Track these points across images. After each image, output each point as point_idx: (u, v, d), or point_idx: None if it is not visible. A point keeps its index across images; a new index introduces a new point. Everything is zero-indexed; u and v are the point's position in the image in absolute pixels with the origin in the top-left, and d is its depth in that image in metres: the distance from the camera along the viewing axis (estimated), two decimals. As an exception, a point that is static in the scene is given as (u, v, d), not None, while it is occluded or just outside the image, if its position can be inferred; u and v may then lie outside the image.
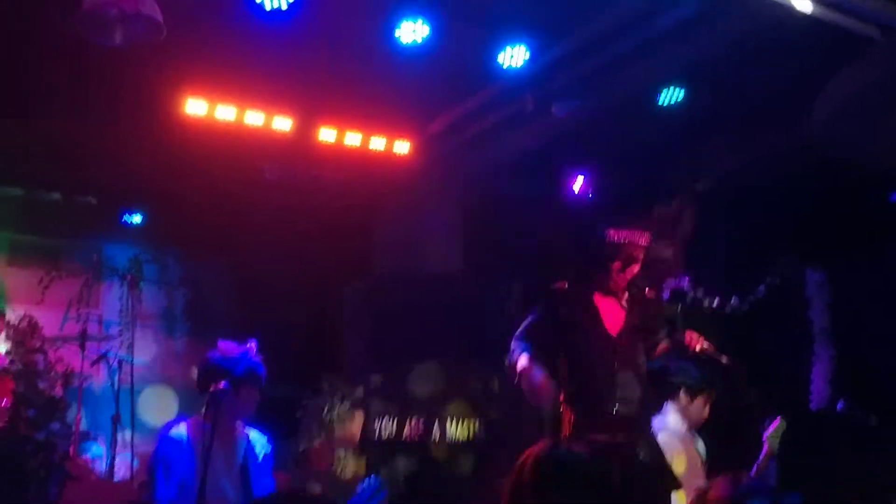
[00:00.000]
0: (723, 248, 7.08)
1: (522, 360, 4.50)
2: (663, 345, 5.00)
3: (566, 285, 4.86)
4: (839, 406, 5.52)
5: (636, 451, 4.35)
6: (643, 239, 4.80)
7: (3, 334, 6.10)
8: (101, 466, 7.75)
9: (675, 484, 4.65)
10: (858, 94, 5.65)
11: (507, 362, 4.70)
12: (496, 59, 5.98)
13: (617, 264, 4.77)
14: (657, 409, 5.17)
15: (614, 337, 4.69)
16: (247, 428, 4.25)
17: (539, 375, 4.43)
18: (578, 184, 7.91)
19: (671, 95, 6.44)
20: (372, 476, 4.57)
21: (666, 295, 5.19)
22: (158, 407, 8.61)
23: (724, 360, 4.89)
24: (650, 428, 4.71)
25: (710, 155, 7.25)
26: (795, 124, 6.19)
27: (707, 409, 5.31)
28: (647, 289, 4.85)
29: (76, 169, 7.93)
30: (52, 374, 5.58)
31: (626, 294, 4.86)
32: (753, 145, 6.90)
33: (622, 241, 4.78)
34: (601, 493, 2.42)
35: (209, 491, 3.80)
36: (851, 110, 5.78)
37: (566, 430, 4.58)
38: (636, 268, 4.79)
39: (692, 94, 6.38)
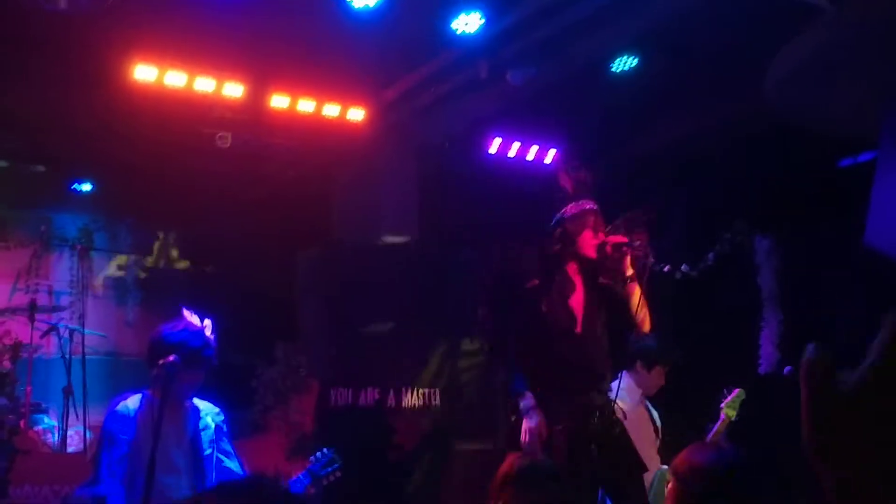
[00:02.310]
0: (675, 214, 7.13)
1: (531, 420, 4.45)
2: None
3: (536, 282, 4.80)
4: (786, 370, 5.62)
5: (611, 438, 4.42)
6: (589, 204, 4.76)
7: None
8: (53, 438, 7.68)
9: (642, 468, 4.70)
10: (810, 60, 5.69)
11: (508, 391, 4.66)
12: (450, 25, 5.92)
13: (571, 236, 4.71)
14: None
15: (578, 330, 4.64)
16: (197, 400, 4.22)
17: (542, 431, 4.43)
18: (532, 152, 7.91)
19: (625, 62, 6.45)
20: (325, 448, 4.60)
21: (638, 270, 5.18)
22: (110, 378, 8.54)
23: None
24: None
25: (664, 122, 7.28)
26: (747, 92, 6.22)
27: (662, 379, 5.39)
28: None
29: (23, 137, 7.76)
30: (0, 347, 5.48)
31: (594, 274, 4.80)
32: (706, 113, 6.94)
33: (570, 213, 4.75)
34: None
35: (160, 462, 3.78)
36: (803, 77, 5.83)
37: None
38: (588, 235, 4.71)
39: (646, 62, 6.38)
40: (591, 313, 4.69)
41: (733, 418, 5.34)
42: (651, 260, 4.87)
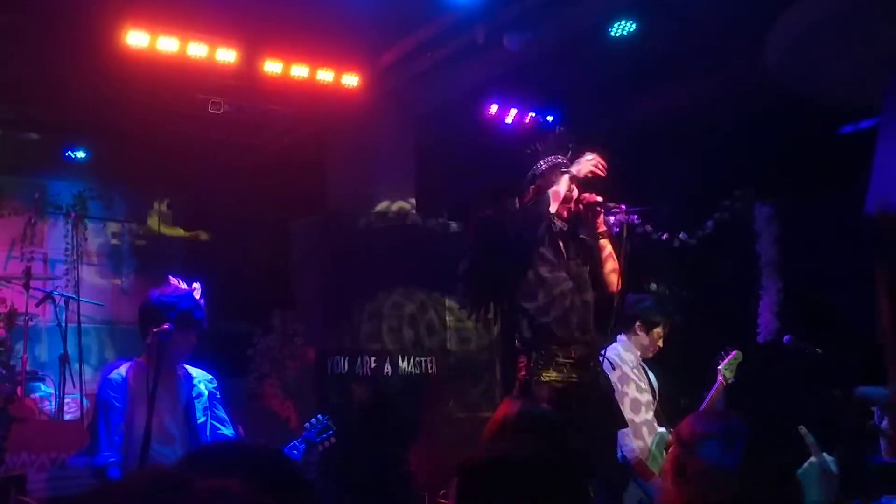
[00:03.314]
0: (675, 182, 7.08)
1: None
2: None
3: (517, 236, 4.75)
4: (785, 339, 5.60)
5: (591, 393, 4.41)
6: (561, 159, 4.73)
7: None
8: (51, 405, 7.69)
9: (622, 423, 4.70)
10: (812, 27, 5.63)
11: None
12: (446, -12, 5.84)
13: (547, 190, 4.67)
14: (610, 339, 5.21)
15: (567, 277, 4.63)
16: (189, 367, 4.20)
17: None
18: (529, 118, 7.85)
19: (624, 27, 6.37)
20: (319, 415, 4.59)
21: (615, 229, 5.17)
22: (106, 346, 8.54)
23: None
24: (601, 362, 4.71)
25: (664, 88, 7.21)
26: (748, 58, 6.16)
27: (661, 341, 5.37)
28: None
29: (16, 103, 7.69)
30: (-6, 317, 5.47)
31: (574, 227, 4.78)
32: (706, 79, 6.87)
33: (545, 167, 4.72)
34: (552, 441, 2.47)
35: (155, 431, 3.77)
36: (804, 44, 5.77)
37: (520, 371, 4.57)
38: (556, 193, 4.67)
39: (645, 27, 6.31)
40: (572, 266, 4.67)
41: (730, 380, 5.34)
42: (639, 222, 4.85)
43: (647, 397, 5.25)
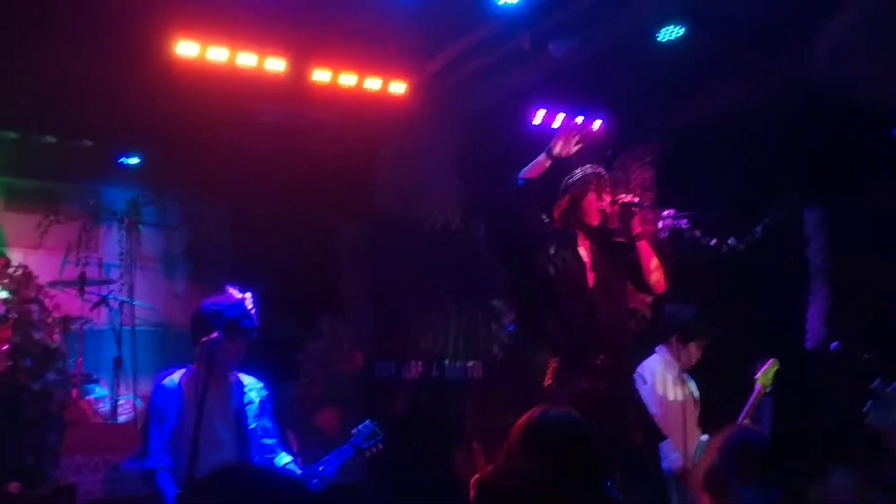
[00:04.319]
0: (722, 187, 7.02)
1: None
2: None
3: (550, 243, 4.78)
4: (832, 346, 5.53)
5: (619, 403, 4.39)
6: (593, 168, 4.76)
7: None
8: (105, 408, 7.86)
9: (658, 436, 4.67)
10: (859, 30, 5.55)
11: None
12: (492, -4, 5.87)
13: (579, 199, 4.70)
14: (648, 352, 5.19)
15: (593, 285, 4.63)
16: (241, 374, 4.27)
17: None
18: (577, 123, 7.82)
19: (671, 32, 6.34)
20: (367, 421, 4.64)
21: (664, 234, 5.16)
22: (160, 349, 8.69)
23: None
24: (634, 376, 4.70)
25: (711, 92, 7.15)
26: (796, 61, 6.09)
27: (699, 354, 5.33)
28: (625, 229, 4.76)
29: (71, 112, 7.87)
30: (50, 321, 5.61)
31: (606, 237, 4.78)
32: (754, 82, 6.80)
33: (573, 179, 4.75)
34: (585, 450, 2.47)
35: (205, 436, 3.85)
36: (852, 46, 5.69)
37: (548, 379, 4.58)
38: (592, 199, 4.70)
39: (692, 31, 6.27)
40: (604, 275, 4.66)
41: (769, 389, 5.28)
42: (687, 227, 4.86)
43: (687, 407, 5.22)
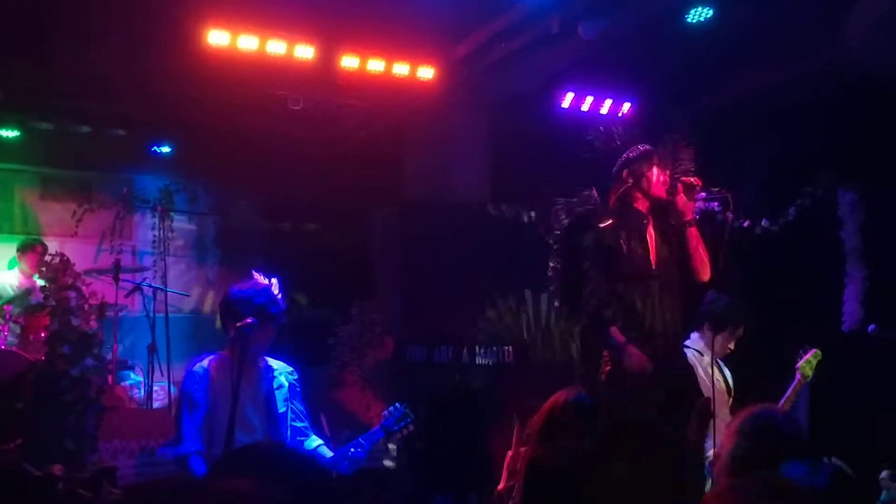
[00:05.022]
0: (754, 168, 6.95)
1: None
2: None
3: (608, 221, 4.76)
4: (870, 328, 5.47)
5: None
6: (647, 146, 4.75)
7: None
8: (140, 393, 7.97)
9: (707, 412, 4.64)
10: (893, 9, 5.47)
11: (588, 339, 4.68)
12: (520, -22, 5.85)
13: (639, 179, 4.69)
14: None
15: (653, 269, 4.62)
16: (270, 358, 4.31)
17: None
18: (606, 106, 7.78)
19: (700, 13, 6.27)
20: (398, 403, 4.65)
21: (696, 216, 5.13)
22: (193, 335, 8.79)
23: None
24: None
25: (742, 73, 7.08)
26: (828, 42, 6.01)
27: (732, 343, 5.29)
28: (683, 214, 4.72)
29: (104, 102, 7.98)
30: (87, 308, 5.69)
31: (663, 221, 4.76)
32: (785, 63, 6.72)
33: (633, 155, 4.73)
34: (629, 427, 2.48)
35: (238, 421, 3.89)
36: (885, 26, 5.60)
37: (605, 364, 4.59)
38: (655, 173, 4.68)
39: (722, 12, 6.20)
40: (664, 253, 4.65)
41: (809, 378, 5.23)
42: (719, 209, 4.82)
43: (719, 395, 5.19)
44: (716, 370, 5.24)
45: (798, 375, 5.23)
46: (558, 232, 7.00)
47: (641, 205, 4.74)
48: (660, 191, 4.69)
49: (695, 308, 5.06)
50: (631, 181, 4.72)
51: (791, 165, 6.85)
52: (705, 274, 4.71)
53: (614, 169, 4.82)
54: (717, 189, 4.86)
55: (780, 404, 5.14)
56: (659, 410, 4.18)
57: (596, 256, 4.70)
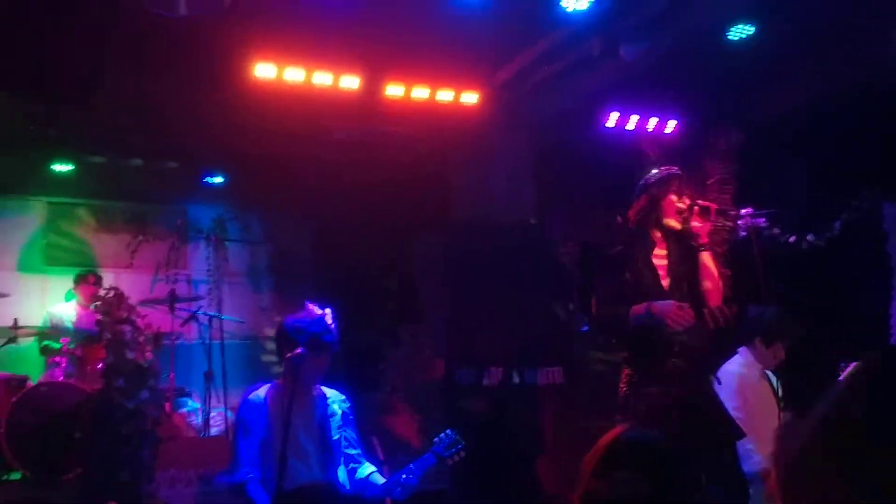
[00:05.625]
0: (799, 183, 6.92)
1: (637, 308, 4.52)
2: None
3: (620, 249, 4.78)
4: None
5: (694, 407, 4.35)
6: (674, 169, 4.74)
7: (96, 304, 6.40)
8: (197, 420, 8.12)
9: (738, 433, 4.63)
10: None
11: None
12: (560, 2, 5.89)
13: (656, 200, 4.70)
14: (729, 353, 5.15)
15: (664, 292, 4.61)
16: (323, 386, 4.41)
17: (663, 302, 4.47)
18: (652, 124, 7.79)
19: (742, 30, 6.28)
20: (449, 430, 4.70)
21: (742, 233, 5.13)
22: (249, 361, 8.94)
23: None
24: (711, 377, 4.68)
25: (784, 88, 7.06)
26: (870, 56, 5.97)
27: (783, 354, 5.27)
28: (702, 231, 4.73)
29: (156, 135, 8.18)
30: (142, 340, 5.83)
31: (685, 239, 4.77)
32: (828, 78, 6.69)
33: (654, 179, 4.74)
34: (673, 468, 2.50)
35: (291, 448, 4.00)
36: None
37: (622, 386, 4.59)
38: (672, 200, 4.69)
39: (763, 29, 6.20)
40: (681, 277, 4.65)
41: None
42: (765, 225, 4.82)
43: (770, 408, 5.17)
44: (766, 382, 5.23)
45: None
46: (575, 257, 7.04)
47: (656, 230, 4.76)
48: (673, 218, 4.69)
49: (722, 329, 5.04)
50: (646, 206, 4.74)
51: (835, 180, 6.81)
52: (716, 298, 4.70)
53: (635, 190, 4.85)
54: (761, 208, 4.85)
55: None
56: (679, 432, 4.16)
57: (603, 283, 4.73)
